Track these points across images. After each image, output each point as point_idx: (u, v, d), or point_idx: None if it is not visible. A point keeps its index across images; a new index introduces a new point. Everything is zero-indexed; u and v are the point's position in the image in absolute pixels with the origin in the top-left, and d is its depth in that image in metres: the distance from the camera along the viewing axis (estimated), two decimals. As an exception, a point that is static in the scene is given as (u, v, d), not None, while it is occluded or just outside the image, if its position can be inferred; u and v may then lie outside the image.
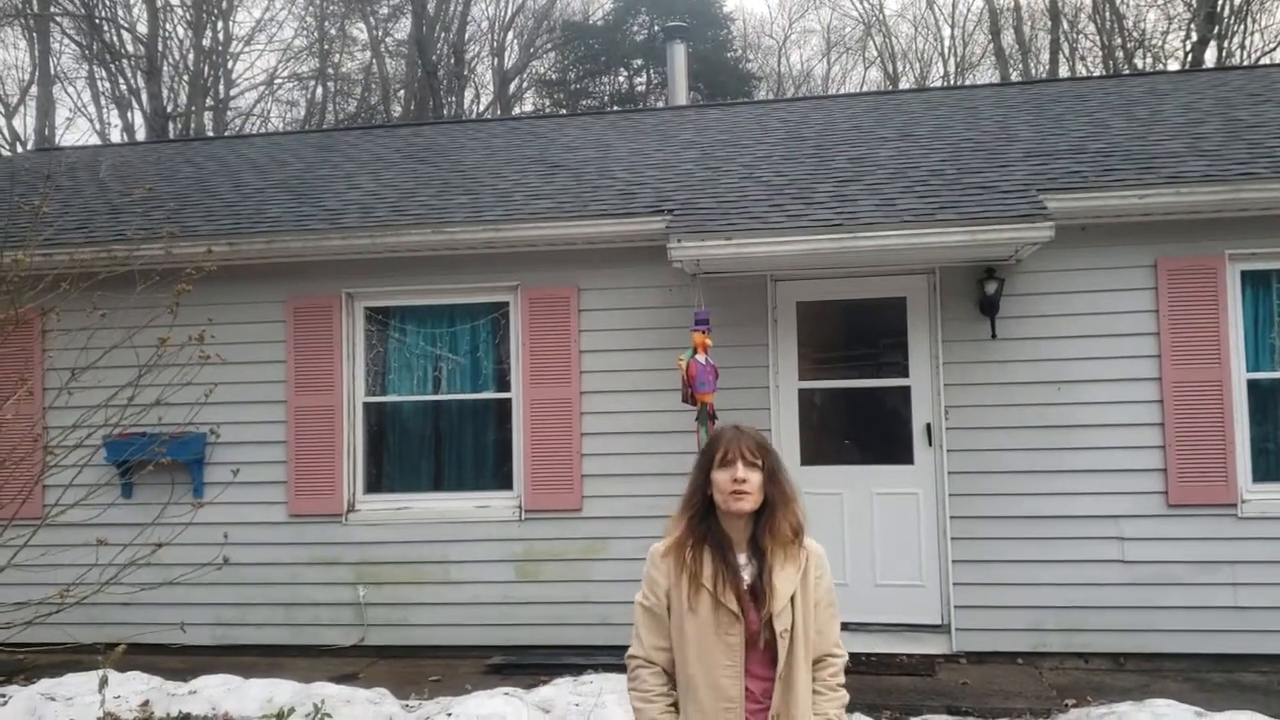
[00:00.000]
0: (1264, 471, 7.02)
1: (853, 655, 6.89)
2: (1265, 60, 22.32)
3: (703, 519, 2.69)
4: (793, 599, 2.62)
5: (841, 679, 2.75)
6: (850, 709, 5.61)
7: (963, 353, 7.27)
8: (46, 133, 26.46)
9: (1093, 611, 6.97)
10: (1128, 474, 7.01)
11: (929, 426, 7.34)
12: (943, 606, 7.24)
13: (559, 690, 6.15)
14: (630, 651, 2.75)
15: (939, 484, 7.27)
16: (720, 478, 2.65)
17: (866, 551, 7.37)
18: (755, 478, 2.64)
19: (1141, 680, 6.61)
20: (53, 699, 6.05)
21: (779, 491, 2.68)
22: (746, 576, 2.64)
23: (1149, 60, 24.39)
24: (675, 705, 2.67)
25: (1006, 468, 7.13)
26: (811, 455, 7.49)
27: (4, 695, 6.29)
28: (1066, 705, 6.09)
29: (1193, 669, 6.80)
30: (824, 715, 2.66)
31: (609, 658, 6.85)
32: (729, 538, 2.68)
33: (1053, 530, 7.04)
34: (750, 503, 2.64)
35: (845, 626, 7.15)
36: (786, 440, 7.44)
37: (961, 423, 7.22)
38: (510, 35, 33.12)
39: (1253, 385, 7.05)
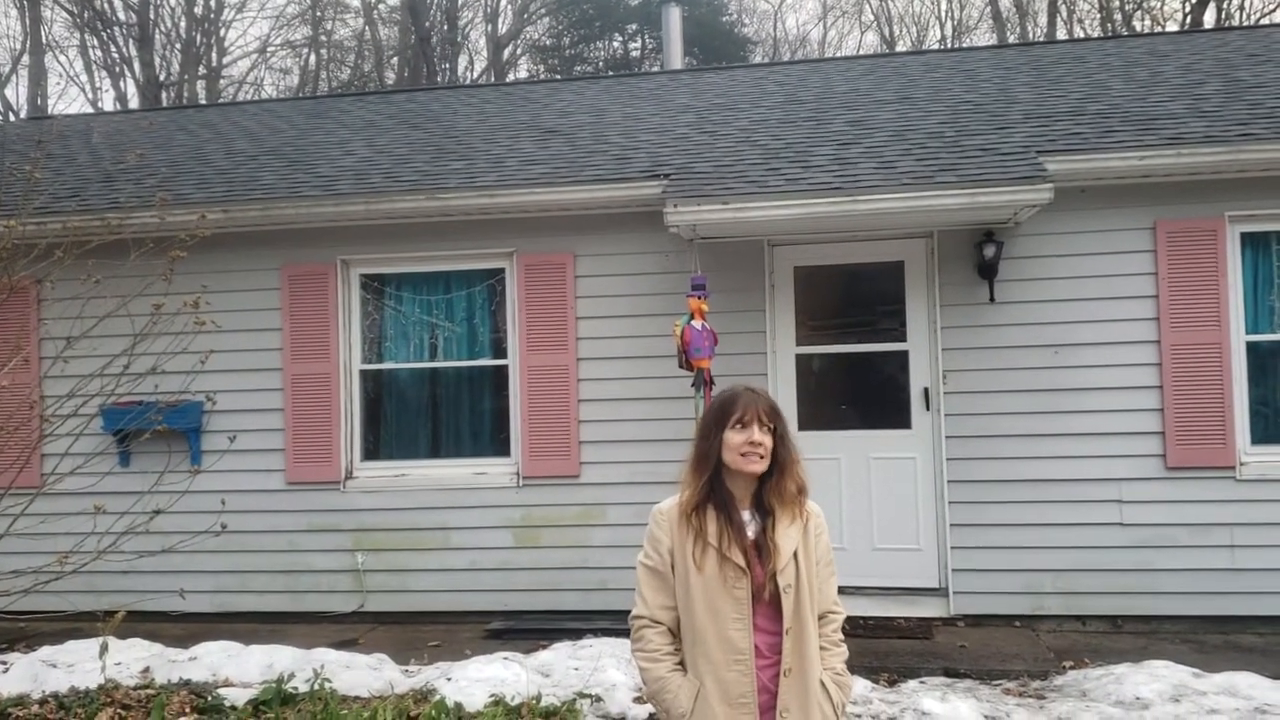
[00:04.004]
0: (1262, 433, 7.02)
1: (850, 619, 6.88)
2: (1265, 20, 22.11)
3: (712, 479, 2.70)
4: (795, 556, 2.65)
5: (841, 635, 2.81)
6: (848, 671, 5.65)
7: (961, 317, 7.24)
8: (39, 102, 26.27)
9: (1091, 574, 6.99)
10: (1126, 437, 7.01)
11: (927, 391, 7.33)
12: (940, 570, 7.26)
13: (558, 654, 6.18)
14: (635, 612, 2.75)
15: (937, 448, 7.27)
16: (735, 439, 2.67)
17: (864, 515, 7.38)
18: (768, 441, 2.67)
19: (1139, 642, 6.64)
20: (54, 666, 6.07)
21: (787, 454, 2.71)
22: (750, 533, 2.67)
23: (1148, 22, 24.18)
24: (681, 664, 2.69)
25: (1005, 431, 7.13)
26: (809, 420, 7.48)
27: (5, 662, 6.32)
28: (1064, 667, 6.12)
29: (1191, 631, 6.83)
30: (831, 669, 2.72)
31: (607, 622, 6.90)
32: (733, 495, 2.70)
33: (1051, 494, 7.05)
34: (762, 465, 2.67)
35: (843, 590, 7.16)
36: (784, 405, 7.38)
37: (959, 387, 7.21)
38: (504, 1, 32.82)
39: (1252, 347, 7.04)
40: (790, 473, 2.71)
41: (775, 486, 2.69)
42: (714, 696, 2.60)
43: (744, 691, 2.60)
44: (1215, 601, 6.87)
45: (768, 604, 2.64)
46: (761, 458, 2.66)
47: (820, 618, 2.73)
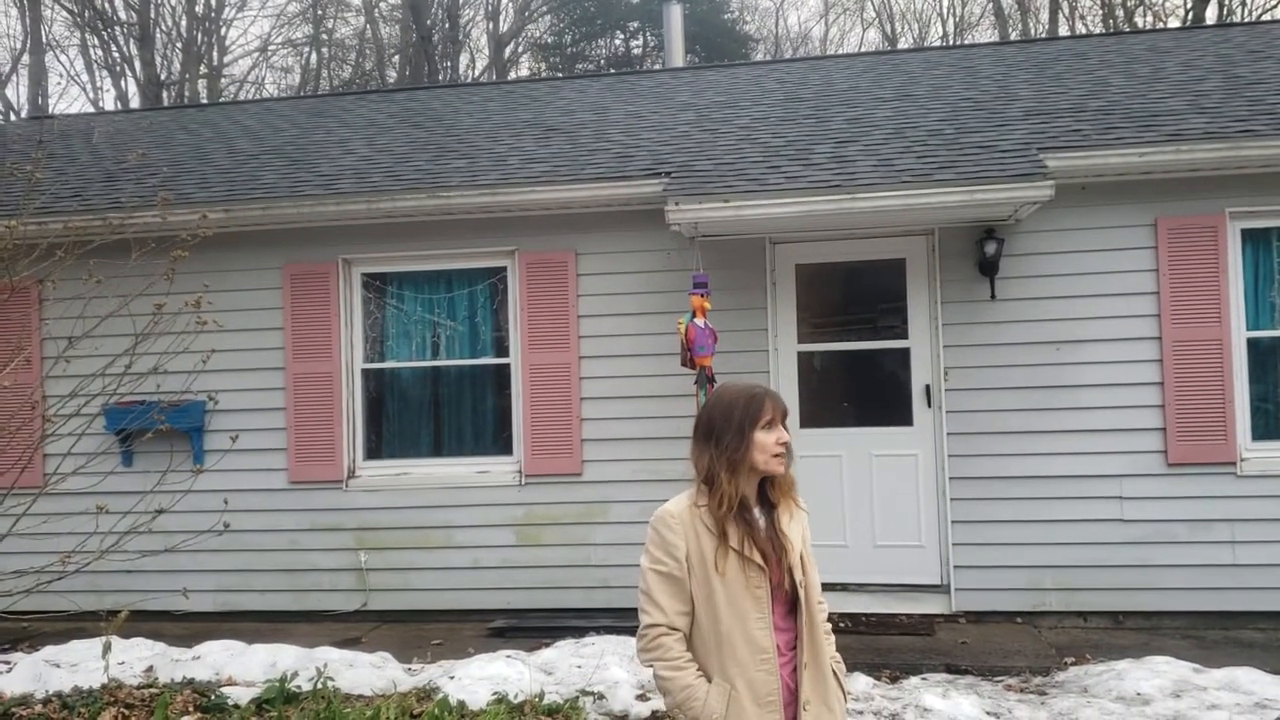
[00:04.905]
0: (1263, 430, 7.02)
1: (852, 615, 6.99)
2: (1266, 17, 22.08)
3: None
4: (799, 551, 2.67)
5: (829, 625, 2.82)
6: (851, 668, 5.66)
7: (962, 314, 7.25)
8: (39, 101, 26.26)
9: (1092, 571, 7.00)
10: (1127, 433, 7.02)
11: (928, 388, 7.34)
12: (942, 567, 7.27)
13: (561, 653, 6.19)
14: (650, 621, 2.63)
15: (938, 445, 7.27)
16: (766, 440, 2.65)
17: (866, 513, 7.39)
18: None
19: (1140, 638, 6.65)
20: (57, 665, 6.07)
21: (789, 452, 2.73)
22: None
23: (1149, 18, 24.15)
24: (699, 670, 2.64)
25: (1006, 428, 7.13)
26: (811, 418, 7.49)
27: (8, 662, 6.33)
28: (1066, 663, 6.12)
29: (1191, 627, 6.84)
30: (832, 657, 2.74)
31: (609, 620, 6.92)
32: (745, 495, 2.68)
33: (1052, 490, 7.06)
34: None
35: (845, 587, 7.26)
36: (786, 402, 7.42)
37: (961, 384, 7.22)
38: (505, -1, 32.77)
39: (1252, 344, 7.04)
40: (790, 468, 2.72)
41: (780, 482, 2.69)
42: (746, 699, 2.57)
43: (771, 690, 2.59)
44: (1216, 597, 6.87)
45: (780, 601, 2.64)
46: (787, 456, 2.67)
47: None
